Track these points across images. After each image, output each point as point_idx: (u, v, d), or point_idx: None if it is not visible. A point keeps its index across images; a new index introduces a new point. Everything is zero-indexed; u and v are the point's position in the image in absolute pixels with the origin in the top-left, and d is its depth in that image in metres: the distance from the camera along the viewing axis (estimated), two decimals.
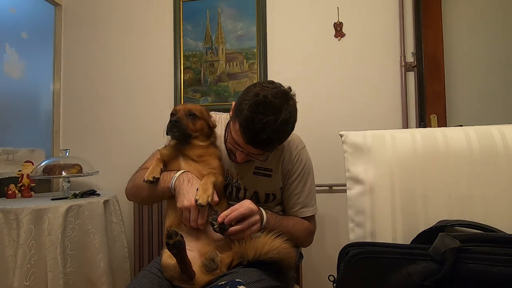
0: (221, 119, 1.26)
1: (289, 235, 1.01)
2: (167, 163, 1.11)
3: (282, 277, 1.01)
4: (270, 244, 0.95)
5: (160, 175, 1.06)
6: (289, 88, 1.05)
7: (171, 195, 1.05)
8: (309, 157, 1.24)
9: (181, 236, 0.87)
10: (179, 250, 0.86)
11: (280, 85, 1.03)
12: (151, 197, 1.11)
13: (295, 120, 1.03)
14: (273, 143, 1.01)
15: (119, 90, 2.18)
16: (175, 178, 1.03)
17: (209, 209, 0.97)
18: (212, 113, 1.28)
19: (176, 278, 0.94)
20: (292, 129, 1.04)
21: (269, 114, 0.95)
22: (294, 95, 1.05)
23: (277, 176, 1.18)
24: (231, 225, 0.95)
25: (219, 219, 0.94)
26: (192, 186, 1.00)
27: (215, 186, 1.00)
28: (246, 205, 0.98)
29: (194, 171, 1.06)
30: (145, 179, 1.04)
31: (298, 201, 1.19)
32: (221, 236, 0.98)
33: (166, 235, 0.85)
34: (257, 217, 0.99)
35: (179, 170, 1.07)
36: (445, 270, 0.58)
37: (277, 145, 1.05)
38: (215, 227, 0.94)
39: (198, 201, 0.93)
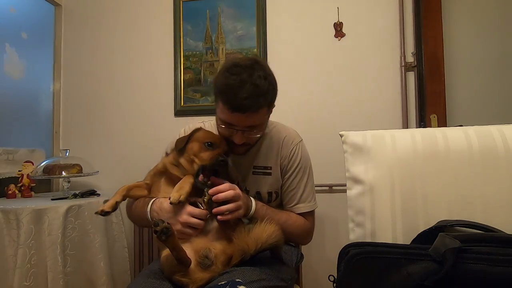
0: (211, 125, 1.25)
1: (281, 230, 1.00)
2: (150, 184, 1.13)
3: (282, 277, 1.01)
4: (267, 231, 0.95)
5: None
6: (256, 55, 1.09)
7: None
8: (307, 152, 1.23)
9: (168, 223, 0.87)
10: (167, 236, 0.86)
11: (248, 56, 1.08)
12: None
13: (273, 78, 1.05)
14: (256, 99, 0.98)
15: (119, 90, 2.18)
16: (149, 214, 1.04)
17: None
18: (201, 122, 1.27)
19: (175, 271, 0.94)
20: (273, 87, 1.04)
21: (242, 73, 0.98)
22: (264, 60, 1.09)
23: (277, 173, 1.18)
24: (218, 204, 0.96)
25: (211, 191, 0.96)
26: (166, 211, 1.00)
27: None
28: (237, 190, 1.00)
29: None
30: (96, 211, 1.04)
31: (294, 197, 1.19)
32: (216, 234, 0.99)
33: (153, 224, 0.86)
34: (240, 202, 1.00)
35: (151, 198, 1.07)
36: (445, 270, 0.58)
37: (262, 103, 1.01)
38: (205, 197, 0.96)
39: (170, 200, 0.94)
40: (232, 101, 0.98)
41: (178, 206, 0.97)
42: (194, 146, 1.06)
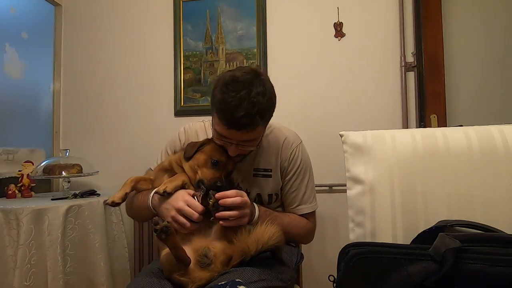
0: (210, 125, 1.24)
1: (284, 232, 1.00)
2: (153, 180, 1.13)
3: (282, 277, 1.01)
4: (268, 232, 0.95)
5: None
6: (258, 66, 1.05)
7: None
8: (307, 153, 1.23)
9: (168, 222, 0.88)
10: (167, 235, 0.87)
11: (248, 66, 1.04)
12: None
13: (272, 93, 1.01)
14: (253, 118, 0.96)
15: (119, 90, 2.18)
16: (150, 199, 1.05)
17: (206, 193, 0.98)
18: (201, 121, 1.27)
19: (174, 270, 0.94)
20: (272, 103, 1.02)
21: (241, 90, 0.94)
22: (264, 72, 1.04)
23: (277, 175, 1.18)
24: (224, 208, 0.95)
25: (217, 194, 0.95)
26: (168, 198, 1.00)
27: (184, 183, 1.02)
28: (245, 198, 0.99)
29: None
30: (106, 202, 1.07)
31: (295, 198, 1.19)
32: (216, 234, 0.98)
33: (153, 222, 0.86)
34: (247, 210, 0.99)
35: (153, 189, 1.07)
36: (445, 270, 0.58)
37: (259, 121, 0.99)
38: (211, 199, 0.95)
39: (155, 190, 0.95)
40: (229, 119, 0.96)
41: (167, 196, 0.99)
42: (200, 157, 1.05)
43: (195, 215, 0.95)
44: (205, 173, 1.02)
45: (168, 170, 1.11)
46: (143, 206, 1.08)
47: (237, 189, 1.05)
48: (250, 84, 0.96)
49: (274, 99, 1.03)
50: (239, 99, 0.93)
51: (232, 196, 0.96)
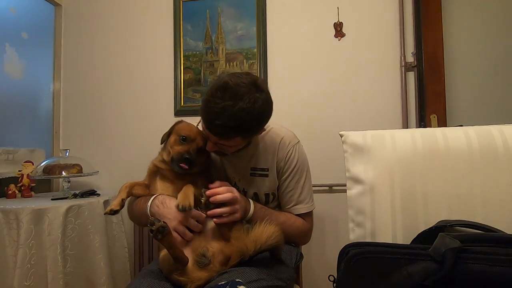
0: None
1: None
2: (148, 184, 1.14)
3: (281, 276, 1.01)
4: (267, 232, 0.95)
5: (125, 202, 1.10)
6: (263, 80, 1.05)
7: None
8: (304, 154, 1.23)
9: (164, 222, 0.88)
10: (164, 235, 0.87)
11: (254, 77, 0.99)
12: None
13: (261, 113, 0.97)
14: (229, 131, 0.95)
15: (119, 90, 2.18)
16: (149, 208, 1.05)
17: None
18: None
19: (172, 270, 0.94)
20: (258, 122, 0.99)
21: (227, 100, 0.92)
22: (267, 89, 1.00)
23: (274, 175, 1.18)
24: (216, 206, 0.98)
25: (208, 192, 0.97)
26: (167, 207, 1.02)
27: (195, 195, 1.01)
28: (236, 194, 1.01)
29: (169, 190, 1.08)
30: (105, 212, 1.06)
31: (291, 198, 1.19)
32: (214, 233, 0.99)
33: (149, 223, 0.86)
34: (238, 206, 1.01)
35: (152, 195, 1.08)
36: (445, 270, 0.58)
37: (233, 135, 0.98)
38: (202, 198, 0.97)
39: (180, 205, 0.93)
40: (206, 122, 0.98)
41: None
42: (172, 138, 1.09)
43: (199, 227, 1.00)
44: (174, 150, 1.06)
45: (156, 171, 1.13)
46: (142, 212, 1.08)
47: (234, 186, 1.08)
48: (239, 97, 0.92)
49: (264, 117, 1.00)
50: (221, 108, 0.92)
51: (222, 193, 0.98)
